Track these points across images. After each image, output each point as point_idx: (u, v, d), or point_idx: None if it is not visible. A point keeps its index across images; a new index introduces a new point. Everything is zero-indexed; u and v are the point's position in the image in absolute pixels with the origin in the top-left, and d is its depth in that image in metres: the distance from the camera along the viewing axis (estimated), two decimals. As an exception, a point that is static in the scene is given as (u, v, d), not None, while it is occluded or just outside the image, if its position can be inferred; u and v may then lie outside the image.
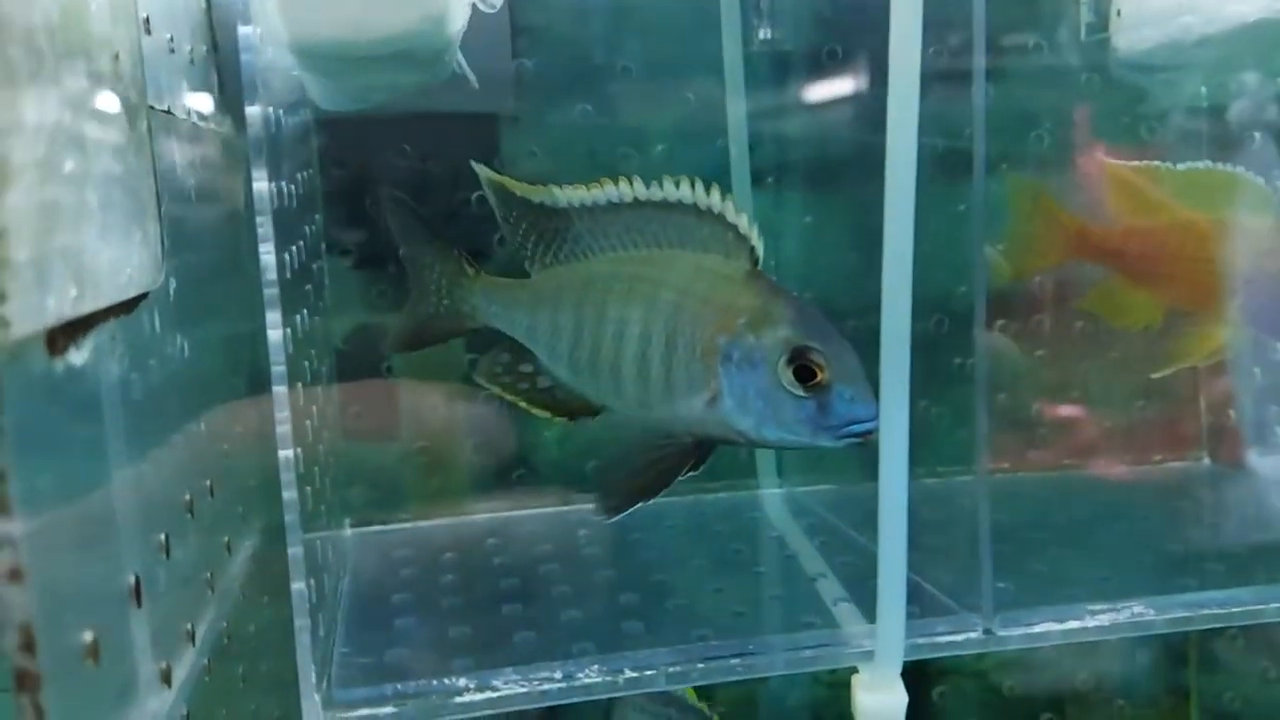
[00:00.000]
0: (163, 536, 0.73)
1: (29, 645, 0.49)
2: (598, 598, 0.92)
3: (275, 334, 0.71)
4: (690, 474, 0.81)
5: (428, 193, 1.15)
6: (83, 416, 0.61)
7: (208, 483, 0.87)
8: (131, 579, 0.65)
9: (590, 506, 1.11)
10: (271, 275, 0.71)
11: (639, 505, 0.78)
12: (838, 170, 1.19)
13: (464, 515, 1.14)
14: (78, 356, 0.58)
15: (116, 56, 0.69)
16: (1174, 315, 1.01)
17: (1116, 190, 1.01)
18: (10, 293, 0.48)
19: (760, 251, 0.79)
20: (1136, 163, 1.01)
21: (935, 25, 1.13)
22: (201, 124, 0.94)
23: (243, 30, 0.68)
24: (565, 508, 1.15)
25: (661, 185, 0.80)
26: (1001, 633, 0.81)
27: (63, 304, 0.55)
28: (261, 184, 0.70)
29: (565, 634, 0.84)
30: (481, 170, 0.88)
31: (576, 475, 1.17)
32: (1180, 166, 0.99)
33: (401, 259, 0.93)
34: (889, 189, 0.73)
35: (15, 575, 0.49)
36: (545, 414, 0.89)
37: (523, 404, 0.89)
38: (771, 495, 1.16)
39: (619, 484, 0.80)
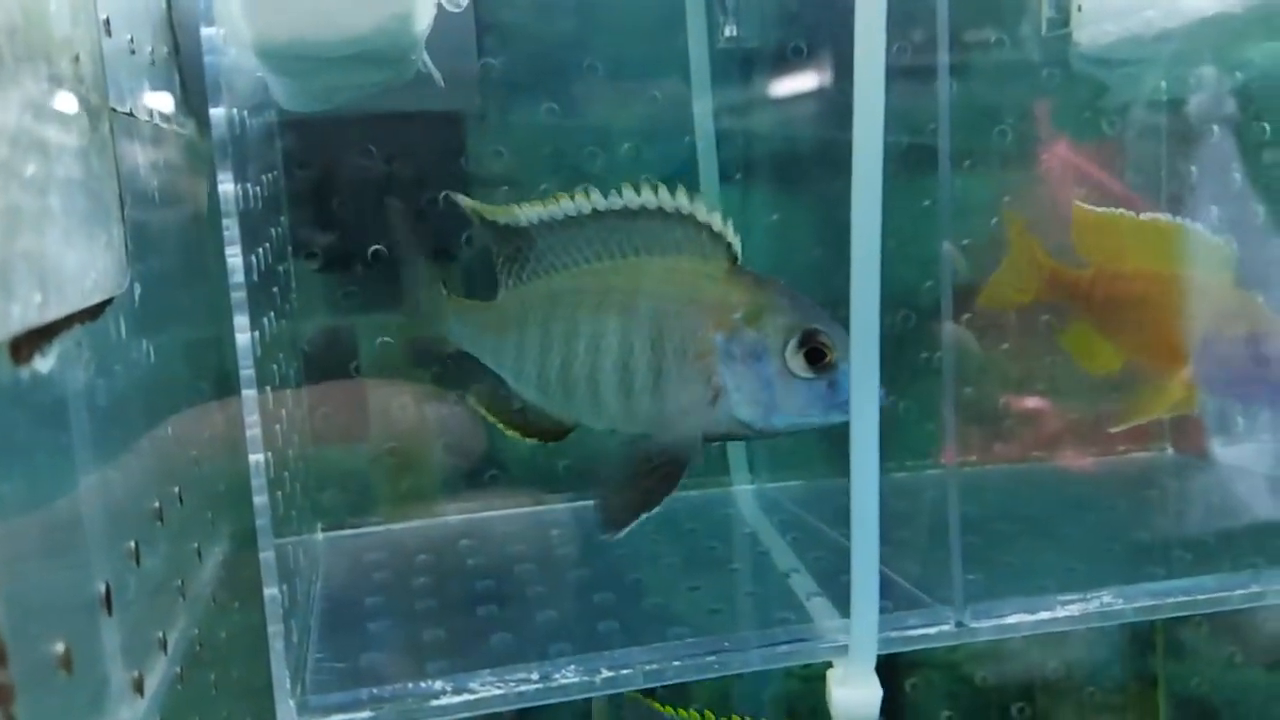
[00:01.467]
0: (132, 544, 0.72)
1: (0, 656, 0.49)
2: (573, 598, 0.91)
3: (244, 337, 0.70)
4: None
5: (394, 193, 1.14)
6: (49, 424, 0.60)
7: (176, 489, 0.86)
8: (102, 587, 0.64)
9: (560, 506, 1.14)
10: (239, 278, 0.70)
11: (643, 517, 0.78)
12: (804, 167, 1.19)
13: (435, 517, 1.13)
14: (43, 364, 0.58)
15: (77, 58, 0.69)
16: (1133, 366, 1.02)
17: (1082, 234, 1.02)
18: (-23, 300, 0.47)
19: (738, 248, 0.79)
20: (1103, 209, 1.01)
21: (898, 21, 1.15)
22: (164, 126, 0.93)
23: (205, 31, 0.68)
24: (538, 508, 1.15)
25: (622, 193, 0.80)
26: (973, 624, 0.81)
27: (28, 310, 0.54)
28: (227, 186, 0.69)
29: (541, 635, 0.83)
30: (461, 198, 0.88)
31: (548, 475, 1.17)
32: (1143, 216, 0.99)
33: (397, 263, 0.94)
34: (856, 185, 0.73)
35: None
36: (517, 435, 0.89)
37: (500, 425, 0.89)
38: (743, 492, 1.16)
39: (619, 499, 0.79)
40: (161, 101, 0.93)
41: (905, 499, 1.01)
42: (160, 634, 0.76)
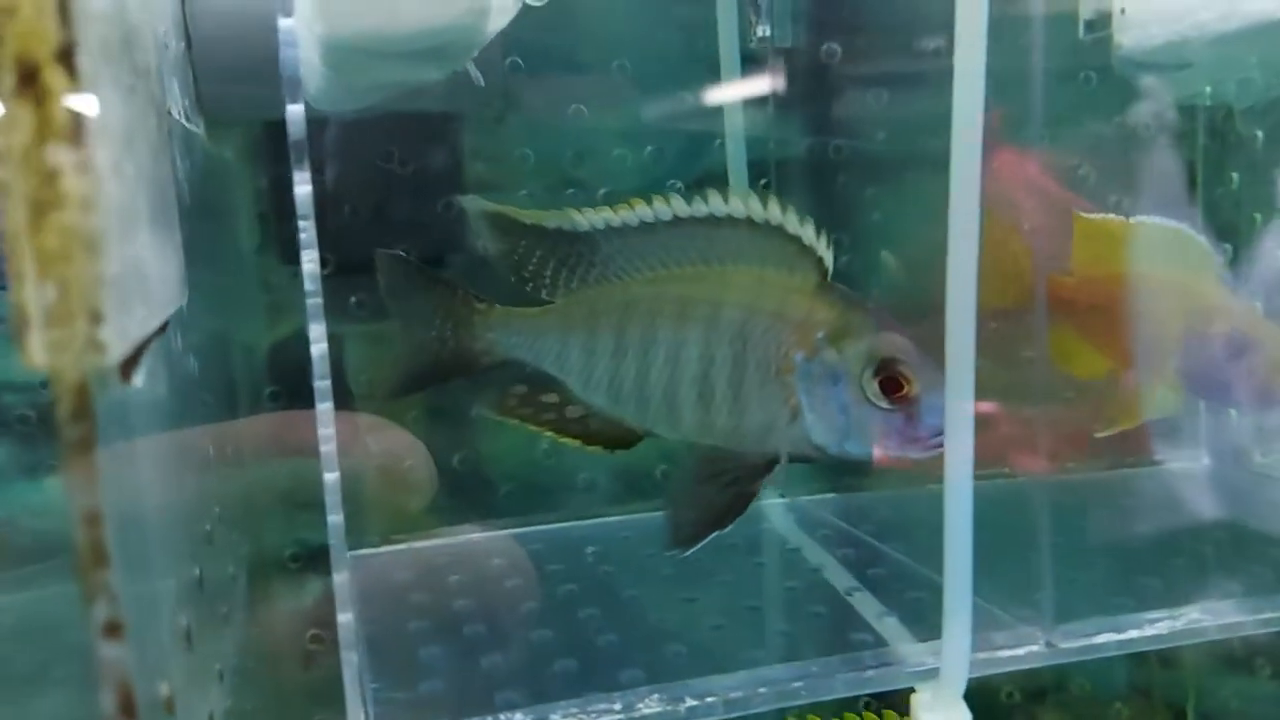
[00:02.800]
0: (197, 570, 0.68)
1: (128, 708, 0.44)
2: (629, 620, 0.88)
3: (319, 348, 0.66)
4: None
5: (400, 198, 1.10)
6: (142, 448, 0.55)
7: (218, 509, 0.81)
8: (184, 621, 0.60)
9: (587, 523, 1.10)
10: (315, 285, 0.65)
11: (713, 536, 0.76)
12: (836, 172, 1.17)
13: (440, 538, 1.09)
14: (139, 380, 0.53)
15: (146, 50, 0.64)
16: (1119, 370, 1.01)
17: (1082, 242, 1.00)
18: (107, 312, 0.42)
19: (830, 262, 0.76)
20: (1101, 215, 1.00)
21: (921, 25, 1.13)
22: (188, 125, 0.88)
23: (284, 23, 0.63)
24: (562, 524, 1.11)
25: (707, 200, 0.77)
26: (1063, 645, 0.78)
27: (138, 324, 0.50)
28: (304, 188, 0.65)
29: (607, 661, 0.80)
30: (474, 203, 0.84)
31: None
32: (1132, 219, 0.98)
33: (393, 314, 0.88)
34: (954, 189, 0.70)
35: (114, 630, 0.44)
36: (577, 444, 0.84)
37: (549, 434, 0.85)
38: (773, 505, 1.13)
39: (689, 515, 0.77)
40: (185, 101, 0.89)
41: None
42: (218, 666, 0.71)
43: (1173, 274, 0.95)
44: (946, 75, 1.13)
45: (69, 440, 0.42)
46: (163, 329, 0.61)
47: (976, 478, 0.73)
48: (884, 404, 0.73)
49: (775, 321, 0.76)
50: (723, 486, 0.77)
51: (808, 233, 0.76)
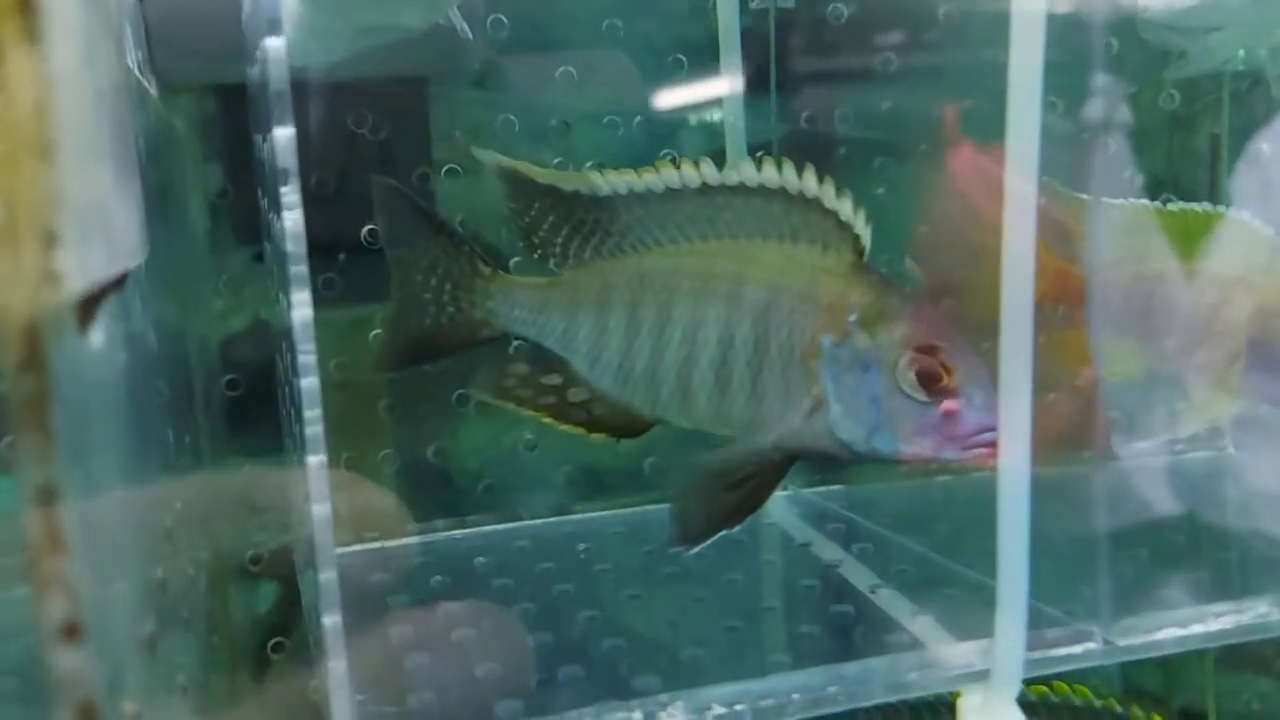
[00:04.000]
0: (159, 571, 0.59)
1: (91, 730, 0.36)
2: (638, 623, 0.80)
3: (303, 312, 0.57)
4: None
5: (372, 168, 1.01)
6: (101, 415, 0.47)
7: (177, 503, 0.73)
8: (150, 626, 0.51)
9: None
10: (299, 248, 0.57)
11: (721, 534, 0.70)
12: (845, 148, 1.10)
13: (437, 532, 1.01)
14: (97, 335, 0.45)
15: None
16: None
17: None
18: (64, 236, 0.34)
19: (867, 241, 0.70)
20: (1125, 201, 0.93)
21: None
22: (143, 81, 0.80)
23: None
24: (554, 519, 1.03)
25: (739, 169, 0.70)
26: (1122, 642, 0.72)
27: (99, 263, 0.41)
28: (286, 139, 0.56)
29: (617, 667, 0.72)
30: (488, 155, 0.77)
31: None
32: (1171, 207, 0.92)
33: (390, 261, 0.80)
34: (1010, 174, 0.64)
35: (72, 632, 0.35)
36: (580, 431, 0.78)
37: (548, 419, 0.78)
38: (775, 499, 1.06)
39: (698, 510, 0.70)
40: (139, 53, 0.80)
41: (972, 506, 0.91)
42: (180, 677, 0.63)
43: (1228, 266, 0.89)
44: (959, 38, 1.07)
45: (19, 395, 0.33)
46: (121, 282, 0.52)
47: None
48: (921, 396, 0.67)
49: (802, 302, 0.69)
50: (736, 482, 0.71)
51: (845, 207, 0.69)
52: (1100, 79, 0.98)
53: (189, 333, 0.99)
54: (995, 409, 0.65)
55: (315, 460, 0.58)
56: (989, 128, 0.69)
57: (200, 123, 1.01)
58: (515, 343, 0.84)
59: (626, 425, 0.76)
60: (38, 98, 0.33)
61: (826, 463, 0.96)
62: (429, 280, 0.78)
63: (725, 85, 1.02)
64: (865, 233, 0.70)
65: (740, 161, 0.70)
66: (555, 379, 0.78)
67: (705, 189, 0.71)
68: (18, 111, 0.33)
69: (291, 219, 0.57)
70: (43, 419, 0.34)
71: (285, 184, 0.56)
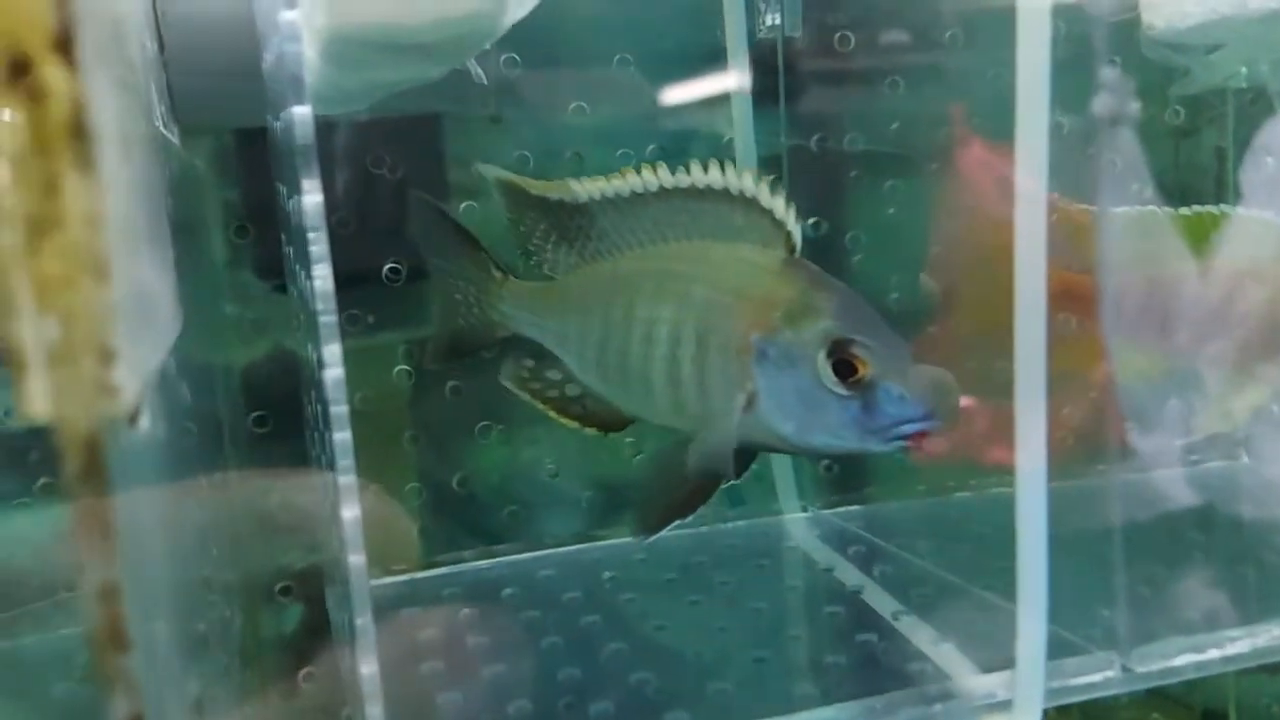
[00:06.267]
0: (201, 626, 0.61)
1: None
2: (659, 654, 0.81)
3: (335, 372, 0.59)
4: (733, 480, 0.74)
5: (392, 205, 1.03)
6: (145, 499, 0.48)
7: (214, 550, 0.75)
8: (194, 690, 0.53)
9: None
10: (329, 304, 0.58)
11: (675, 522, 0.72)
12: (851, 167, 1.11)
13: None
14: (145, 421, 0.46)
15: (133, 45, 0.57)
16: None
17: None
18: (119, 350, 0.36)
19: (798, 238, 0.72)
20: (1136, 208, 0.94)
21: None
22: (166, 134, 0.81)
23: (285, 16, 0.56)
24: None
25: (689, 170, 0.73)
26: (1140, 669, 0.73)
27: (148, 358, 0.43)
28: (313, 197, 0.57)
29: (645, 701, 0.73)
30: (489, 170, 0.82)
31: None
32: (1183, 210, 0.93)
33: (430, 269, 0.87)
34: (1020, 188, 0.65)
35: (136, 725, 0.37)
36: (575, 425, 0.82)
37: (552, 414, 0.83)
38: (797, 520, 1.07)
39: (654, 501, 0.73)
40: (161, 107, 0.82)
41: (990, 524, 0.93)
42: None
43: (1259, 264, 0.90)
44: (964, 63, 1.08)
45: (80, 502, 0.35)
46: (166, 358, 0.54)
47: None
48: (840, 390, 0.67)
49: (737, 299, 0.71)
50: (689, 474, 0.73)
51: (779, 206, 0.71)
52: (1107, 98, 1.00)
53: (214, 365, 1.01)
54: (920, 401, 0.66)
55: (350, 514, 0.60)
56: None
57: (219, 161, 1.03)
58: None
59: (611, 420, 0.81)
60: (90, 216, 0.35)
61: (774, 454, 0.97)
62: (457, 283, 0.84)
63: (735, 114, 1.04)
64: (796, 230, 0.72)
65: (691, 163, 0.73)
66: (556, 374, 0.82)
67: (663, 192, 0.74)
68: (73, 235, 0.34)
69: (321, 278, 0.58)
70: (104, 522, 0.35)
71: (317, 254, 0.58)
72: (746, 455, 0.75)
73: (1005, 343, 0.72)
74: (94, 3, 0.43)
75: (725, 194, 0.72)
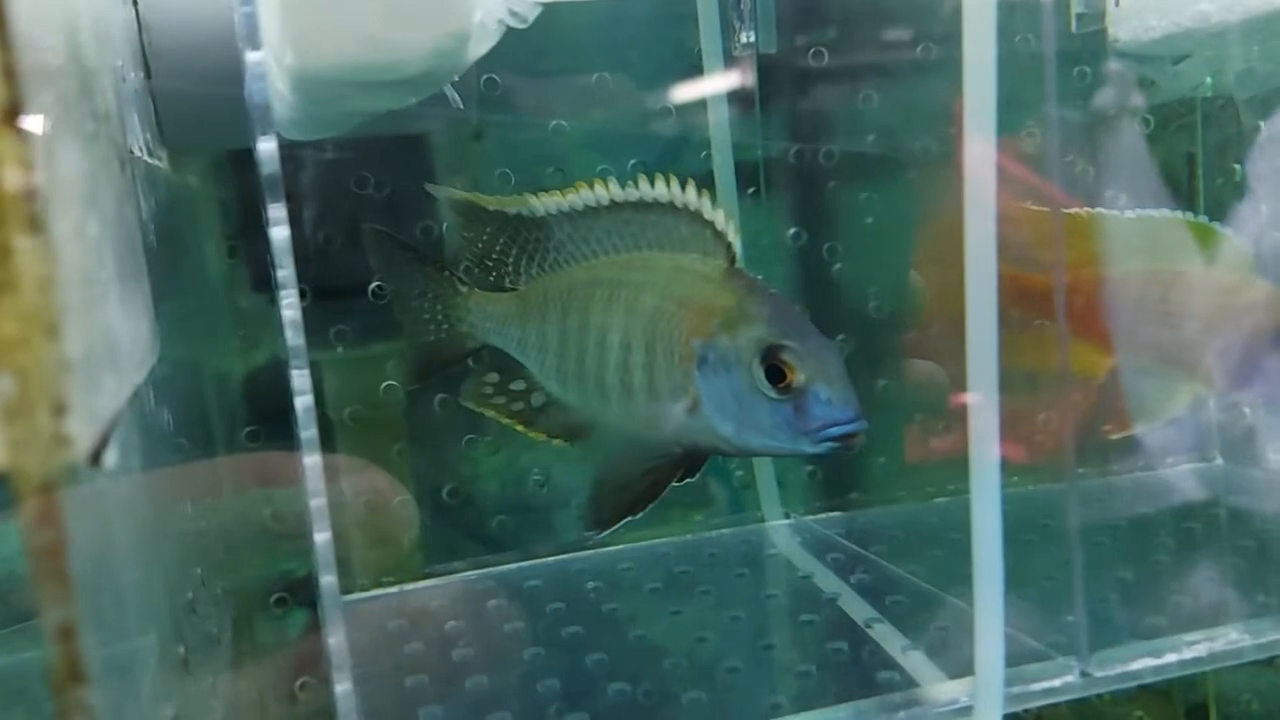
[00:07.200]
0: (181, 649, 0.63)
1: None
2: (639, 663, 0.83)
3: (304, 400, 0.61)
4: (685, 479, 0.78)
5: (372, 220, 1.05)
6: (116, 530, 0.50)
7: (199, 570, 0.77)
8: (170, 713, 0.55)
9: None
10: (297, 334, 0.61)
11: (628, 520, 0.75)
12: (826, 179, 1.13)
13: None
14: (111, 459, 0.48)
15: (104, 93, 0.59)
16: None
17: (1071, 238, 0.96)
18: (73, 403, 0.38)
19: (738, 248, 0.76)
20: (1085, 209, 0.96)
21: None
22: (151, 162, 0.83)
23: (252, 56, 0.58)
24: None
25: (637, 185, 0.77)
26: (1099, 674, 0.74)
27: (107, 402, 0.45)
28: (280, 228, 0.60)
29: (625, 711, 0.75)
30: (443, 191, 0.87)
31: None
32: (1129, 214, 0.95)
33: (389, 295, 0.90)
34: (969, 193, 0.67)
35: (95, 755, 0.39)
36: (541, 437, 0.85)
37: (520, 427, 0.86)
38: (778, 528, 1.09)
39: (608, 499, 0.76)
40: (147, 134, 0.84)
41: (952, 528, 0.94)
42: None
43: (1197, 267, 0.92)
44: (934, 76, 1.10)
45: (35, 548, 0.37)
46: (135, 392, 0.56)
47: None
48: (772, 393, 0.71)
49: (680, 307, 0.75)
50: (640, 474, 0.76)
51: (720, 218, 0.75)
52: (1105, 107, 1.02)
53: (206, 374, 1.04)
54: (846, 404, 0.70)
55: (322, 537, 0.62)
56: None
57: (212, 176, 1.05)
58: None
59: (570, 428, 0.84)
60: (42, 279, 0.37)
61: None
62: (423, 303, 0.87)
63: (712, 129, 1.06)
64: (736, 241, 0.75)
65: (639, 178, 0.76)
66: (520, 384, 0.85)
67: (614, 205, 0.77)
68: (27, 298, 0.36)
69: (288, 303, 0.61)
70: (59, 567, 0.37)
71: (285, 288, 0.60)
72: (696, 457, 0.78)
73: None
74: (59, 61, 0.46)
75: (670, 207, 0.76)
